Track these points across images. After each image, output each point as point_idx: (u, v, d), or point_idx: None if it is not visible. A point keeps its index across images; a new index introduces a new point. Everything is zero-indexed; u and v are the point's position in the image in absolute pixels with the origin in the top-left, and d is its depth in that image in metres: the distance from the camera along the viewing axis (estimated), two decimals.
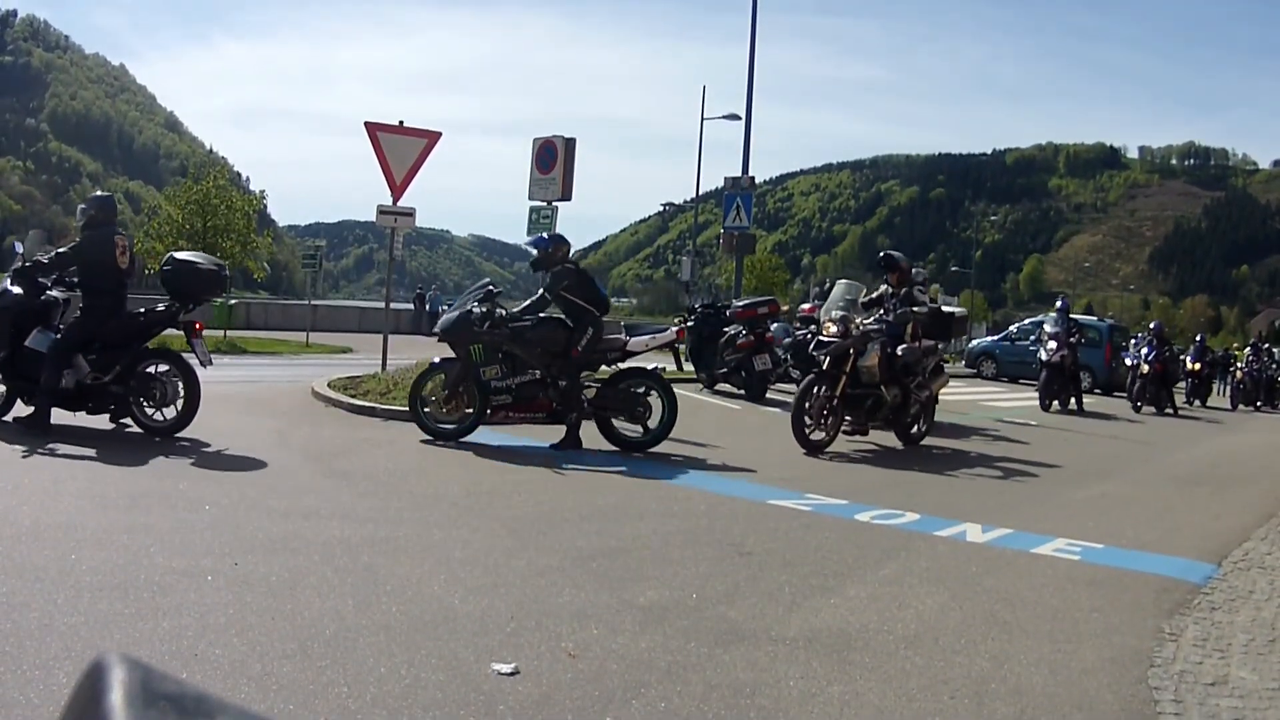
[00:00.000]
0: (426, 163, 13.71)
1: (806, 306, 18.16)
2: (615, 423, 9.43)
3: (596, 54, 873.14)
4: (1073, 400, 18.62)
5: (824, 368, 10.19)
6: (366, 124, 13.31)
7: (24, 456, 7.23)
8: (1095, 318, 35.46)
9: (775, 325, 16.94)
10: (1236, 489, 9.84)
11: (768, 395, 15.47)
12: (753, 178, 20.50)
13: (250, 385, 13.65)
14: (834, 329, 10.37)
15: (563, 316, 9.32)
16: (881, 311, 10.88)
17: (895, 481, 8.76)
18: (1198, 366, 25.41)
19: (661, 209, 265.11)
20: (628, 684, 3.55)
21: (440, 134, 13.74)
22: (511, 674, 3.56)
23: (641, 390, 9.43)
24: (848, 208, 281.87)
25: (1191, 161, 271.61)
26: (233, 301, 30.10)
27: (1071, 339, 18.44)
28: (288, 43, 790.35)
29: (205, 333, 9.23)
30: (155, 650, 3.55)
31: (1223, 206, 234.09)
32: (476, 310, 9.12)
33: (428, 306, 39.81)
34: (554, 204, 14.27)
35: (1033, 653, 4.19)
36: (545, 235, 9.84)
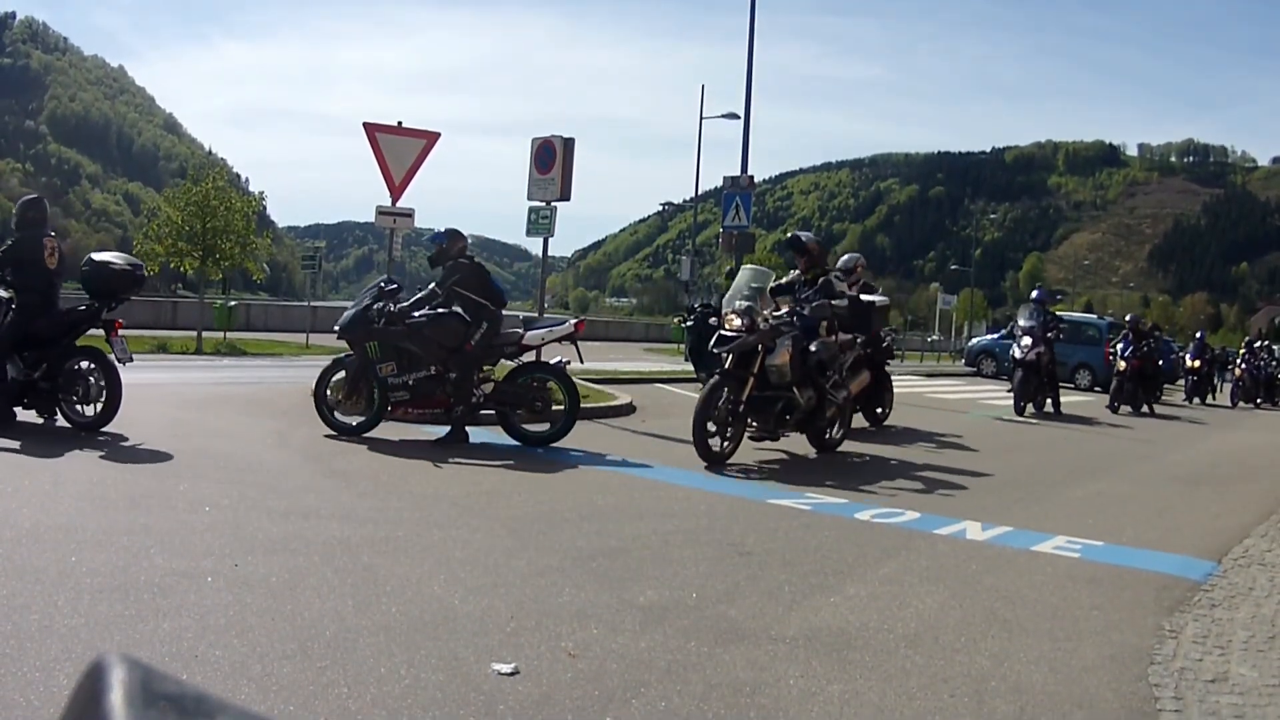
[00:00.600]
0: (425, 163, 13.71)
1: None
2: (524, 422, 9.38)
3: (596, 54, 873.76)
4: (1049, 403, 17.00)
5: (727, 368, 9.02)
6: (365, 125, 13.30)
7: (23, 458, 7.23)
8: (1095, 315, 35.43)
9: None
10: (1236, 487, 9.85)
11: None
12: (751, 177, 20.49)
13: (250, 386, 13.65)
14: (737, 322, 9.10)
15: (461, 311, 9.23)
16: (792, 302, 9.87)
17: (895, 480, 8.76)
18: (1197, 364, 25.13)
19: (661, 208, 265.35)
20: (628, 683, 3.56)
21: (439, 134, 13.73)
22: (511, 674, 3.56)
23: (540, 384, 9.38)
24: (847, 206, 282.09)
25: (1191, 159, 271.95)
26: (232, 303, 30.13)
27: (1049, 334, 16.71)
28: (287, 43, 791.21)
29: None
30: (156, 652, 3.55)
31: (1222, 204, 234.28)
32: (374, 307, 9.16)
33: None
34: (553, 204, 14.26)
35: (1033, 650, 4.19)
36: (442, 231, 9.76)
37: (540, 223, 14.20)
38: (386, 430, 9.35)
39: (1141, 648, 4.28)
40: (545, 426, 9.38)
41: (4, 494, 5.98)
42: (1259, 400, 26.41)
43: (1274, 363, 27.94)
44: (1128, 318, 22.20)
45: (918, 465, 9.77)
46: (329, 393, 9.26)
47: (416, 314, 9.18)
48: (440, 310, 9.21)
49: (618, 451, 9.31)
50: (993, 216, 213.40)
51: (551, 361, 9.57)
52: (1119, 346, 20.34)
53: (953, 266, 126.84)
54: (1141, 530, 7.09)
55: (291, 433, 9.27)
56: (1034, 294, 18.28)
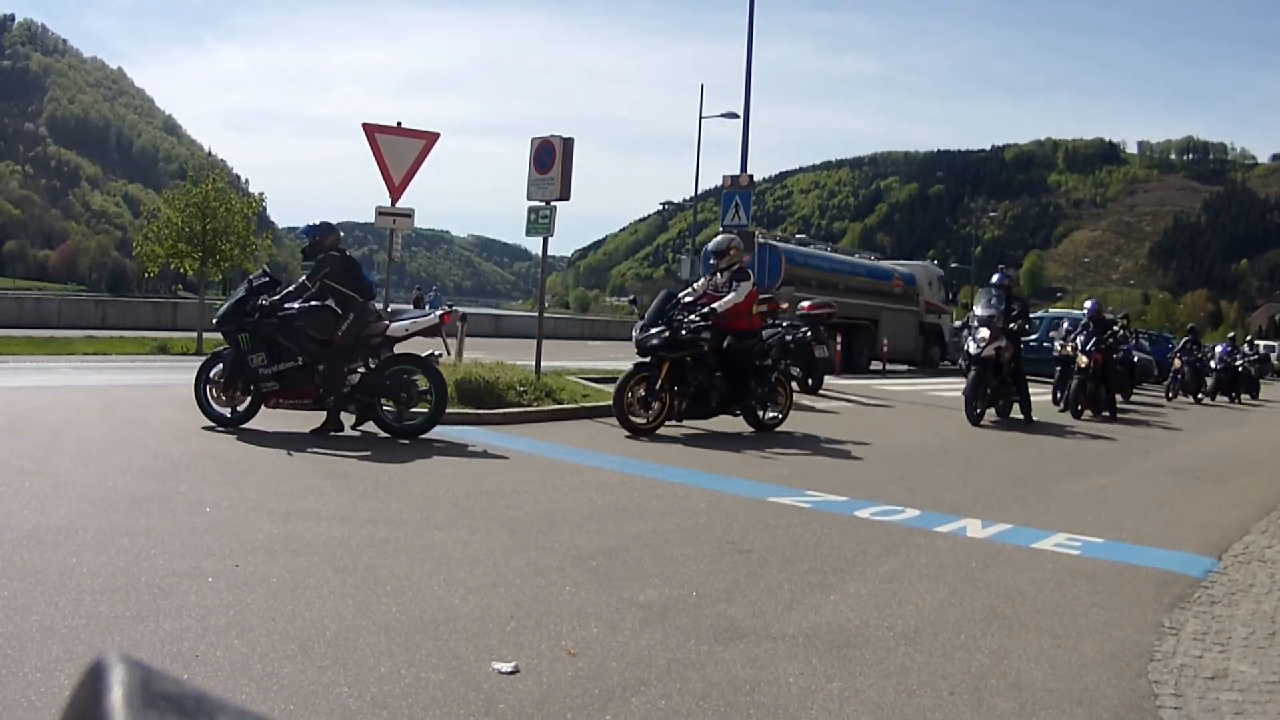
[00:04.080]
0: (425, 163, 13.71)
1: (806, 304, 18.16)
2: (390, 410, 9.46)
3: (591, 53, 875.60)
4: (1016, 407, 14.48)
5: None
6: (364, 125, 13.30)
7: (22, 462, 7.24)
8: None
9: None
10: (1236, 483, 9.84)
11: None
12: (751, 176, 20.47)
13: None
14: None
15: (332, 304, 9.38)
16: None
17: (895, 478, 8.76)
18: (1178, 363, 23.95)
19: (660, 208, 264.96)
20: (628, 682, 3.56)
21: (438, 135, 13.73)
22: (512, 673, 3.56)
23: (407, 376, 9.44)
24: (847, 205, 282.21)
25: (1190, 156, 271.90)
26: None
27: (1012, 325, 14.15)
28: (280, 46, 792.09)
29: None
30: (157, 652, 3.56)
31: (1222, 201, 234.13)
32: (249, 300, 9.31)
33: (427, 307, 39.84)
34: (553, 204, 14.26)
35: (1032, 648, 4.19)
36: (315, 224, 9.93)
37: (540, 222, 14.19)
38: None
39: (1141, 644, 4.28)
40: (414, 418, 9.47)
41: (4, 496, 5.99)
42: (1200, 395, 24.35)
43: (1255, 357, 26.90)
44: (1087, 303, 18.84)
45: (917, 463, 9.78)
46: (209, 387, 9.36)
47: (289, 306, 9.35)
48: (312, 303, 9.37)
49: (617, 450, 9.32)
50: (993, 214, 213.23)
51: (422, 355, 9.64)
52: (1079, 339, 17.11)
53: (953, 264, 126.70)
54: (1141, 526, 7.09)
55: (292, 433, 9.27)
56: (994, 277, 15.12)
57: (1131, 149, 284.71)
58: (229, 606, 4.12)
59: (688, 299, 11.24)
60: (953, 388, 22.30)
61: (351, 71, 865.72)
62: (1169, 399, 23.17)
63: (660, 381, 10.58)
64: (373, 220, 14.08)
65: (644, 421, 10.58)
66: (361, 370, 9.46)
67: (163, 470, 7.16)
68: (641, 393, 10.66)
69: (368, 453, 8.48)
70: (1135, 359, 22.25)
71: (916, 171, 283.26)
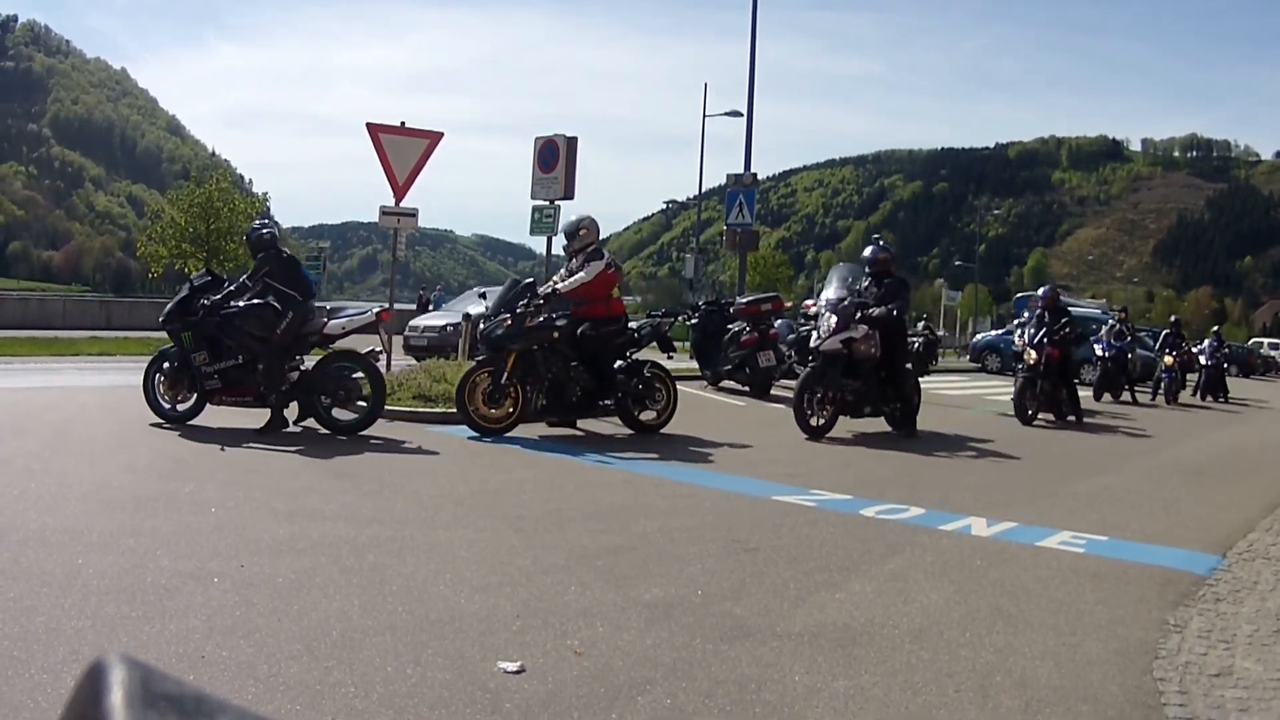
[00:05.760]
0: (429, 163, 13.72)
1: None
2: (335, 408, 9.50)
3: (594, 51, 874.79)
4: (897, 408, 11.79)
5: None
6: (368, 125, 13.33)
7: (29, 462, 7.25)
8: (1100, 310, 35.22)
9: (779, 322, 16.97)
10: (1240, 481, 9.83)
11: (772, 392, 15.49)
12: (755, 174, 20.49)
13: None
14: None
15: (273, 302, 9.45)
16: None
17: (899, 476, 8.76)
18: (1170, 360, 21.57)
19: (664, 206, 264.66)
20: (633, 681, 3.56)
21: (442, 134, 13.75)
22: (518, 672, 3.57)
23: (346, 373, 9.50)
24: (851, 203, 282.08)
25: (1194, 153, 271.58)
26: None
27: (893, 311, 11.34)
28: (282, 45, 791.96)
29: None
30: (162, 653, 3.56)
31: (1226, 198, 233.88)
32: (191, 298, 9.40)
33: (430, 307, 39.81)
34: (557, 203, 14.29)
35: (1038, 645, 4.19)
36: (255, 224, 10.04)
37: (544, 221, 14.21)
38: (412, 431, 9.36)
39: (1146, 642, 4.28)
40: (351, 415, 9.52)
41: (10, 497, 6.00)
42: (1175, 396, 21.59)
43: (1223, 353, 24.40)
44: (1039, 291, 16.38)
45: (922, 461, 9.78)
46: (159, 385, 9.46)
47: (231, 305, 9.41)
48: (254, 301, 9.43)
49: (623, 449, 9.32)
50: (996, 212, 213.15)
51: (363, 351, 9.71)
52: (1029, 331, 15.14)
53: (957, 263, 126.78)
54: (1146, 524, 7.08)
55: (295, 434, 9.29)
56: (866, 250, 12.52)
57: (1135, 146, 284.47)
58: (235, 607, 4.12)
59: (544, 288, 10.33)
60: (955, 385, 22.29)
61: (353, 70, 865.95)
62: (1169, 402, 21.15)
63: (506, 375, 9.74)
64: (377, 220, 14.11)
65: (495, 419, 9.76)
66: (301, 368, 9.60)
67: (168, 470, 7.17)
68: (487, 388, 9.78)
69: (368, 452, 8.49)
70: (1129, 356, 20.82)
71: (920, 170, 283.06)
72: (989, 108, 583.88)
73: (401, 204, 13.68)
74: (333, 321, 9.70)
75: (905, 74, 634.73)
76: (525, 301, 9.97)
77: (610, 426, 10.58)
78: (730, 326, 15.89)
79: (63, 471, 6.94)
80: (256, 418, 9.43)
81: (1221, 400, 23.43)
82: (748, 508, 6.95)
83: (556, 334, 10.02)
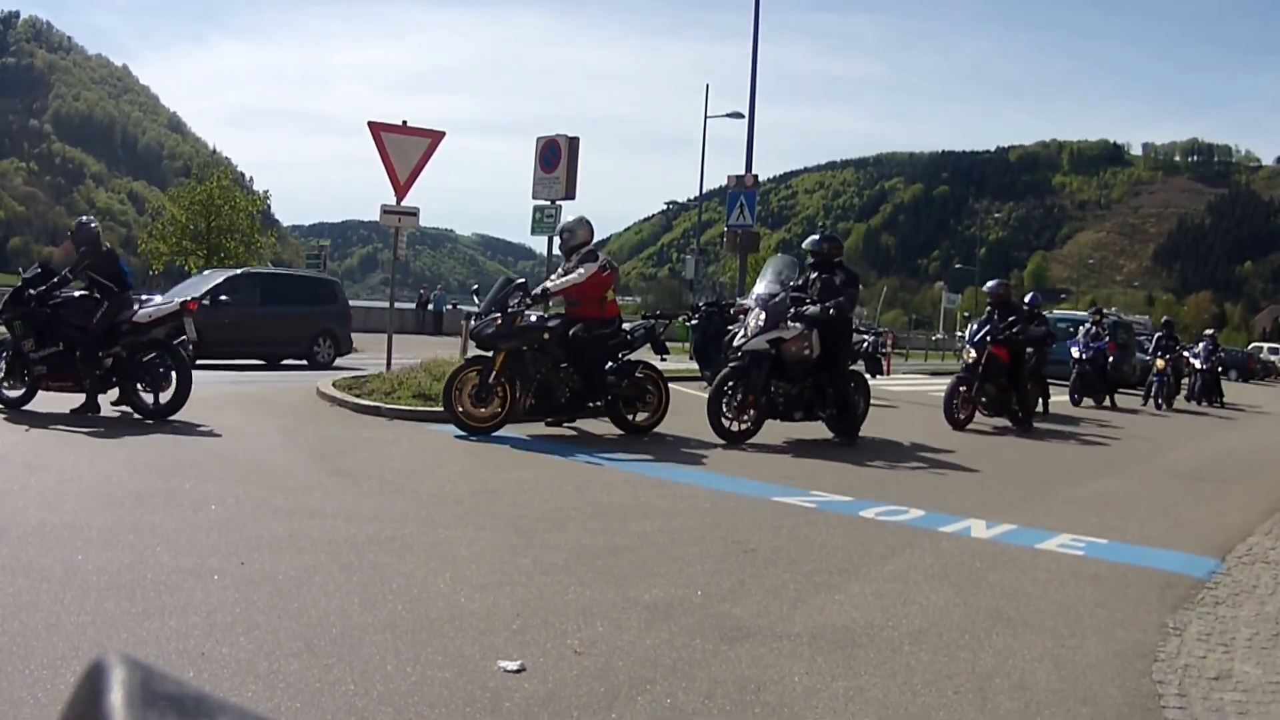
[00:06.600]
0: (430, 162, 13.73)
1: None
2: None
3: (595, 52, 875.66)
4: (830, 408, 10.65)
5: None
6: (370, 124, 13.33)
7: (28, 456, 7.26)
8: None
9: None
10: (1240, 484, 9.84)
11: None
12: (756, 175, 20.48)
13: (256, 385, 13.68)
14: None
15: (94, 293, 9.90)
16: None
17: (899, 478, 8.76)
18: (1162, 364, 20.93)
19: (665, 207, 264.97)
20: (633, 681, 3.56)
21: (444, 133, 13.75)
22: (517, 671, 3.57)
23: (156, 361, 9.80)
24: (852, 205, 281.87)
25: (1195, 158, 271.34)
26: None
27: (829, 310, 10.45)
28: (283, 44, 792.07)
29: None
30: (162, 650, 3.56)
31: (1226, 203, 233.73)
32: (23, 290, 9.84)
33: (430, 306, 39.84)
34: (558, 203, 14.29)
35: (1037, 648, 4.19)
36: (81, 221, 10.51)
37: (545, 221, 14.22)
38: (413, 430, 9.35)
39: (1145, 645, 4.28)
40: (155, 401, 9.79)
41: (10, 492, 6.00)
42: (1164, 402, 20.79)
43: (1217, 356, 23.82)
44: (987, 285, 14.97)
45: (921, 463, 9.78)
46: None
47: (57, 295, 9.87)
48: (77, 293, 9.96)
49: (622, 449, 9.32)
50: (997, 215, 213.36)
51: (175, 340, 9.98)
52: (970, 328, 14.35)
53: (957, 265, 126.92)
54: (1145, 527, 7.09)
55: (297, 432, 9.30)
56: (807, 241, 11.62)
57: (1136, 151, 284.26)
58: (235, 604, 4.12)
59: (537, 288, 10.26)
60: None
61: (354, 69, 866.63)
62: (1159, 407, 20.42)
63: (494, 374, 9.64)
64: (377, 218, 14.12)
65: (482, 418, 9.69)
66: (115, 354, 9.86)
67: (168, 467, 7.17)
68: (474, 386, 9.68)
69: (369, 451, 8.49)
70: (1110, 359, 20.14)
71: (921, 172, 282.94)
72: (990, 111, 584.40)
73: (403, 203, 13.69)
74: (141, 310, 10.07)
75: (906, 76, 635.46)
76: (517, 301, 9.88)
77: (609, 427, 10.57)
78: (731, 328, 15.80)
79: (62, 467, 6.94)
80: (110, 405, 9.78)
81: (1216, 404, 23.22)
82: (747, 508, 6.95)
83: (547, 334, 9.94)
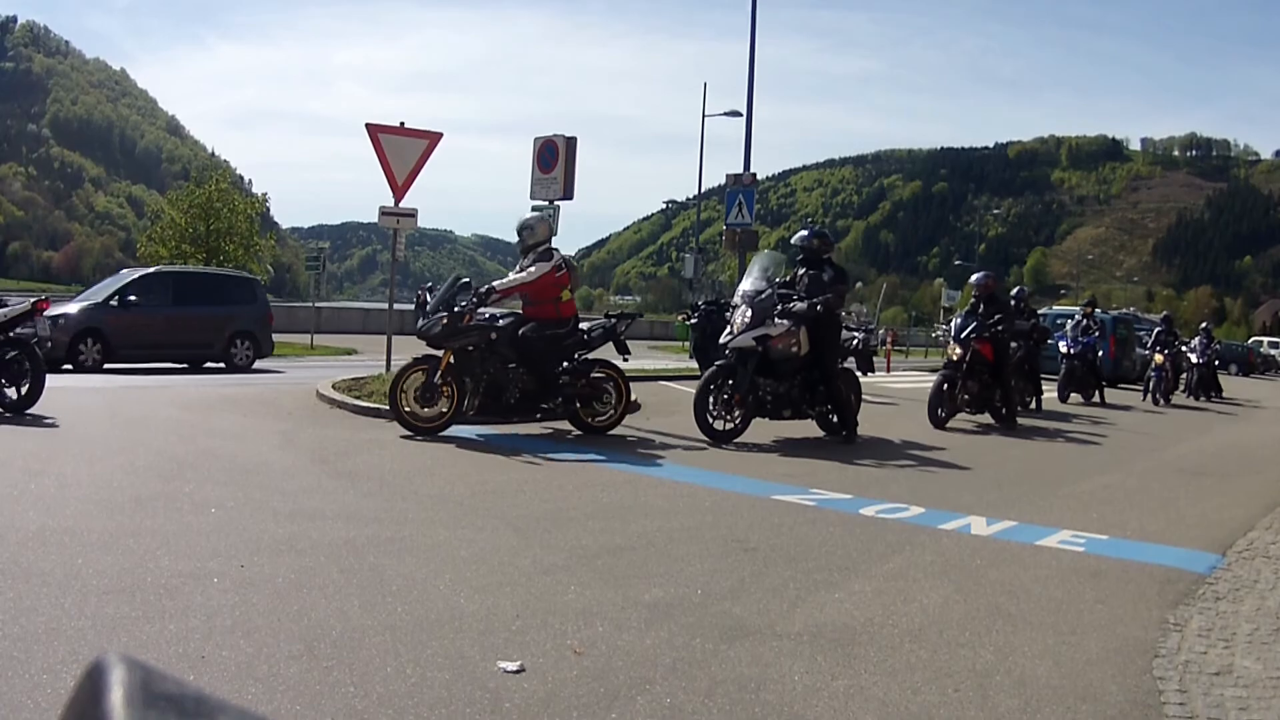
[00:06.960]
0: (428, 163, 13.73)
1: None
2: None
3: (593, 51, 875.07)
4: (828, 411, 10.84)
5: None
6: (368, 125, 13.33)
7: (26, 460, 7.25)
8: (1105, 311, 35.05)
9: None
10: (1240, 479, 9.84)
11: None
12: (754, 174, 20.46)
13: (255, 387, 13.68)
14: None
15: None
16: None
17: (899, 475, 8.76)
18: (1160, 358, 20.64)
19: (664, 206, 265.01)
20: (633, 680, 3.56)
21: (441, 135, 13.75)
22: (517, 672, 3.57)
23: (11, 358, 9.85)
24: (851, 203, 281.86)
25: (1193, 153, 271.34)
26: None
27: (817, 306, 10.31)
28: (281, 45, 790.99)
29: None
30: (162, 653, 3.56)
31: (1225, 197, 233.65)
32: None
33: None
34: (556, 203, 14.29)
35: (1037, 644, 4.19)
36: None
37: None
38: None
39: (1146, 641, 4.28)
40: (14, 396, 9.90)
41: (10, 497, 6.00)
42: (1164, 398, 20.55)
43: (1213, 350, 23.54)
44: (974, 277, 14.65)
45: (921, 461, 9.78)
46: None
47: None
48: None
49: (622, 449, 9.33)
50: (996, 212, 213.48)
51: (29, 338, 10.05)
52: (955, 321, 14.12)
53: (957, 262, 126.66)
54: (1145, 523, 7.09)
55: (297, 434, 9.30)
56: (796, 236, 11.43)
57: (1135, 146, 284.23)
58: (234, 607, 4.12)
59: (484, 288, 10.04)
60: None
61: (353, 70, 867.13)
62: (1156, 403, 20.22)
63: (440, 373, 9.50)
64: (376, 220, 14.12)
65: (427, 418, 9.53)
66: None
67: (167, 470, 7.17)
68: (419, 386, 9.55)
69: (368, 452, 8.50)
70: (1099, 353, 19.99)
71: (920, 169, 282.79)
72: (988, 107, 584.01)
73: (401, 204, 13.69)
74: (2, 310, 10.14)
75: (904, 73, 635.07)
76: (467, 301, 9.75)
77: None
78: None
79: (62, 471, 6.94)
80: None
81: (1214, 398, 23.15)
82: (747, 507, 6.96)
83: (495, 334, 9.78)
